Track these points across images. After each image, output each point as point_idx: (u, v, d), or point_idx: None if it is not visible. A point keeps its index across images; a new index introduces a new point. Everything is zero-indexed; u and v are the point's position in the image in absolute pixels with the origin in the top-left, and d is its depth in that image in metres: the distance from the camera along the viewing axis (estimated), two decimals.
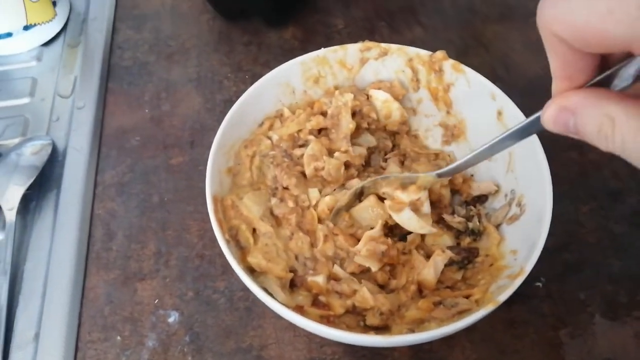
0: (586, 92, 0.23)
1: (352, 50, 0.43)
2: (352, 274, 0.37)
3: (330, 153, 0.41)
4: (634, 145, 0.21)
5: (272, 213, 0.39)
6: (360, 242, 0.37)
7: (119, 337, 0.39)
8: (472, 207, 0.41)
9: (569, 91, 0.24)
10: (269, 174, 0.40)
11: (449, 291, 0.36)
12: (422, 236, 0.39)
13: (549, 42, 0.23)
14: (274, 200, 0.39)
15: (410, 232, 0.39)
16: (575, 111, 0.23)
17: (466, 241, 0.40)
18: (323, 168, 0.40)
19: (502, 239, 0.38)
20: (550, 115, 0.25)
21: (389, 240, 0.37)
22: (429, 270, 0.35)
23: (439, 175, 0.37)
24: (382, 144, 0.45)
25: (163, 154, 0.49)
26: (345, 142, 0.41)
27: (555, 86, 0.25)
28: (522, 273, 0.31)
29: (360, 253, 0.37)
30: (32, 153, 0.48)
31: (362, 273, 0.37)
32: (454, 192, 0.43)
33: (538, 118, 0.27)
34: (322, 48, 0.44)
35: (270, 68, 0.54)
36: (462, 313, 0.32)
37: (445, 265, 0.37)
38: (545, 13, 0.22)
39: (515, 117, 0.38)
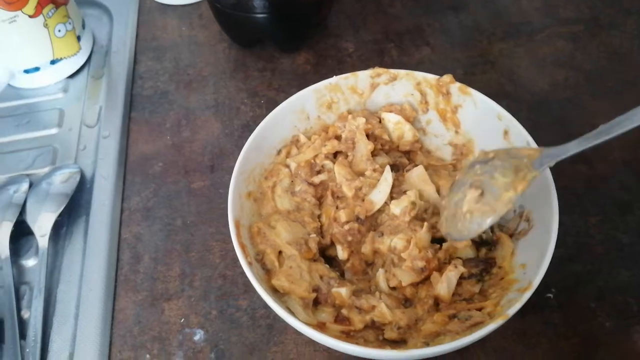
0: None
1: (362, 77, 0.45)
2: (393, 288, 0.39)
3: (353, 174, 0.43)
4: None
5: (306, 243, 0.40)
6: (410, 248, 0.38)
7: (148, 355, 0.41)
8: None
9: None
10: (307, 208, 0.42)
11: (464, 303, 0.38)
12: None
13: None
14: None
15: (442, 239, 0.40)
16: None
17: (483, 252, 0.41)
18: (361, 188, 0.42)
19: (515, 247, 0.39)
20: None
21: (430, 253, 0.38)
22: (442, 286, 0.37)
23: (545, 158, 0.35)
24: (399, 162, 0.46)
25: (185, 178, 0.51)
26: (370, 162, 0.43)
27: None
28: (530, 287, 0.33)
29: (403, 267, 0.38)
30: (62, 181, 0.51)
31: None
32: None
33: None
34: (334, 75, 0.46)
35: (285, 92, 0.57)
36: (475, 326, 0.34)
37: (465, 278, 0.39)
38: None
39: (520, 135, 0.40)
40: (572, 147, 0.34)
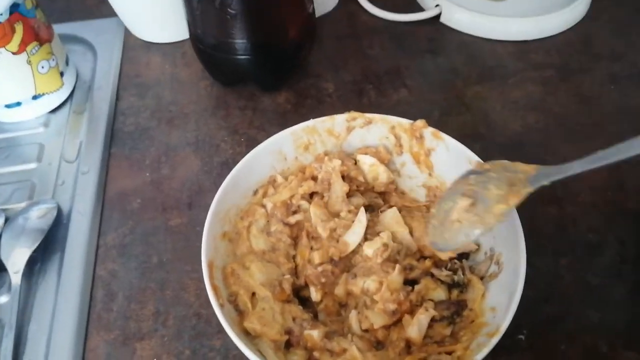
0: None
1: (339, 120, 0.46)
2: (365, 330, 0.39)
3: (329, 215, 0.44)
4: None
5: (280, 284, 0.41)
6: (382, 290, 0.38)
7: None
8: (456, 261, 0.43)
9: None
10: (282, 249, 0.43)
11: (435, 346, 0.38)
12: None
13: None
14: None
15: (415, 281, 0.41)
16: None
17: (455, 294, 0.42)
18: (335, 229, 0.42)
19: (485, 290, 0.40)
20: None
21: (402, 295, 0.39)
22: (413, 329, 0.37)
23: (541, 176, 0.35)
24: (374, 202, 0.47)
25: (162, 215, 0.51)
26: (345, 203, 0.44)
27: None
28: (498, 332, 0.33)
29: (375, 309, 0.39)
30: (38, 217, 0.51)
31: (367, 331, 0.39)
32: None
33: None
34: (314, 115, 0.47)
35: (265, 131, 0.58)
36: None
37: (437, 321, 0.39)
38: None
39: None
40: (569, 169, 0.34)
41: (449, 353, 0.36)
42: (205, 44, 0.58)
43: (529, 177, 0.34)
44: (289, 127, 0.47)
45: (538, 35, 0.67)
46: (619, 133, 0.56)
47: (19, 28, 0.55)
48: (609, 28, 0.69)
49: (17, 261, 0.47)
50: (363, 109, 0.47)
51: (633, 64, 0.64)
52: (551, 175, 0.34)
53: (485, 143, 0.56)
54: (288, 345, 0.38)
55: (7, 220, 0.51)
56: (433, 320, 0.39)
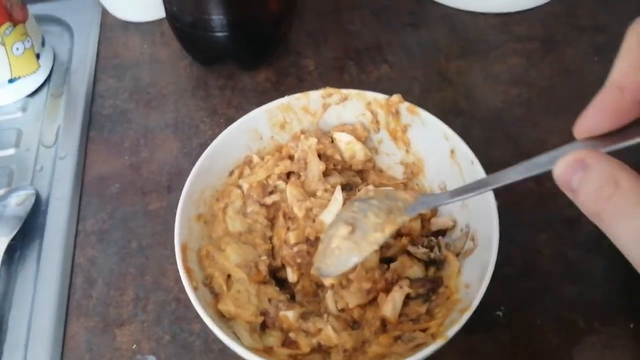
0: (604, 155, 0.24)
1: (314, 97, 0.46)
2: (342, 310, 0.39)
3: (305, 195, 0.44)
4: (625, 218, 0.22)
5: (256, 265, 0.41)
6: (357, 269, 0.39)
7: None
8: (432, 238, 0.43)
9: (588, 150, 0.24)
10: (259, 230, 0.43)
11: (411, 324, 0.38)
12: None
13: (630, 44, 0.25)
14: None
15: (392, 259, 0.41)
16: (586, 166, 0.23)
17: (432, 271, 0.42)
18: (312, 209, 0.42)
19: (461, 266, 0.40)
20: (562, 162, 0.25)
21: (378, 274, 0.39)
22: (387, 307, 0.38)
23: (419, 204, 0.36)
24: (351, 181, 0.47)
25: (142, 200, 0.51)
26: (321, 182, 0.44)
27: (605, 88, 0.26)
28: (469, 308, 0.33)
29: (350, 288, 0.39)
30: (17, 204, 0.50)
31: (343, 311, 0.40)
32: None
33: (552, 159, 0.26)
34: (294, 92, 0.46)
35: (244, 110, 0.57)
36: (418, 347, 0.34)
37: (413, 298, 0.40)
38: None
39: (465, 155, 0.41)
40: (444, 198, 0.35)
41: (424, 330, 0.36)
42: (182, 22, 0.57)
43: (407, 205, 0.35)
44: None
45: (522, 7, 0.66)
46: None
47: None
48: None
49: None
50: (344, 86, 0.47)
51: (617, 35, 0.62)
52: (429, 203, 0.36)
53: (466, 118, 0.56)
54: (264, 326, 0.38)
55: None
56: (409, 298, 0.39)
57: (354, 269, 0.39)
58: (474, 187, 0.33)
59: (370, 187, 0.44)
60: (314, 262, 0.39)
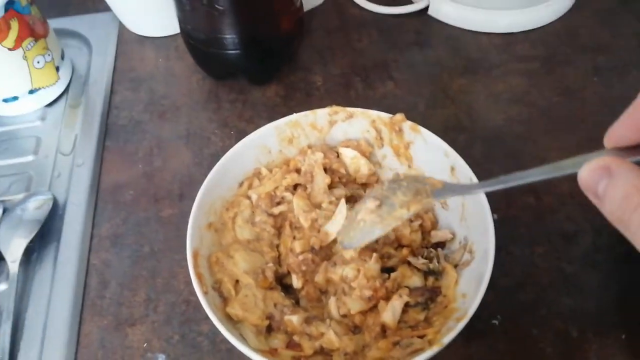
0: (630, 163, 0.25)
1: (321, 114, 0.48)
2: (344, 316, 0.41)
3: (311, 206, 0.46)
4: None
5: (263, 272, 0.43)
6: (359, 278, 0.41)
7: None
8: (432, 250, 0.45)
9: (619, 156, 0.25)
10: (266, 238, 0.45)
11: (409, 330, 0.40)
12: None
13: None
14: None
15: (393, 269, 0.43)
16: (612, 173, 0.24)
17: (430, 281, 0.44)
18: (317, 219, 0.44)
19: (458, 277, 0.42)
20: (588, 168, 0.26)
21: (378, 282, 0.41)
22: (387, 314, 0.39)
23: (445, 190, 0.38)
24: (356, 194, 0.49)
25: (154, 207, 0.53)
26: (327, 195, 0.46)
27: (635, 102, 0.27)
28: (465, 316, 0.35)
29: (352, 295, 0.41)
30: (35, 208, 0.53)
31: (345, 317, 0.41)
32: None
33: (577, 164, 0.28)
34: (303, 108, 0.49)
35: (254, 124, 0.60)
36: (415, 352, 0.36)
37: (412, 307, 0.42)
38: None
39: (464, 173, 0.43)
40: (471, 189, 0.39)
41: (422, 337, 0.38)
42: (196, 40, 0.59)
43: (434, 189, 0.38)
44: (278, 119, 0.48)
45: (524, 27, 0.68)
46: (601, 124, 0.58)
47: (15, 24, 0.56)
48: (595, 19, 0.70)
49: (14, 251, 0.49)
50: (350, 102, 0.49)
51: (617, 55, 0.65)
52: (454, 192, 0.40)
53: (468, 135, 0.58)
54: (269, 330, 0.40)
55: (5, 211, 0.53)
56: (408, 305, 0.41)
57: (354, 276, 0.41)
58: (501, 181, 0.34)
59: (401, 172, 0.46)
60: (338, 237, 0.42)
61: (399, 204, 0.37)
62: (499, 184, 0.34)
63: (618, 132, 0.28)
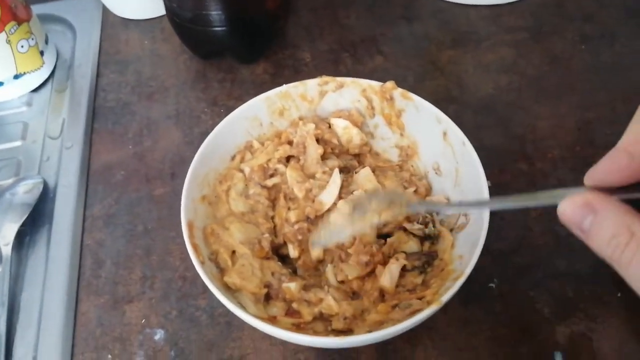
0: (617, 202, 0.25)
1: (311, 85, 0.48)
2: (341, 282, 0.41)
3: (305, 177, 0.46)
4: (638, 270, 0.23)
5: (259, 242, 0.43)
6: (355, 244, 0.41)
7: (109, 356, 0.43)
8: (427, 215, 0.45)
9: (600, 193, 0.25)
10: (261, 210, 0.45)
11: (407, 294, 0.40)
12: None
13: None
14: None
15: (389, 235, 0.43)
16: (598, 211, 0.25)
17: (427, 245, 0.44)
18: (311, 189, 0.44)
19: (454, 240, 0.42)
20: (571, 203, 0.26)
21: (375, 248, 0.41)
22: (385, 278, 0.39)
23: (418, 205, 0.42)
24: (349, 164, 0.49)
25: (146, 186, 0.53)
26: (320, 165, 0.46)
27: (615, 150, 0.27)
28: (462, 275, 0.35)
29: (349, 261, 0.41)
30: (25, 192, 0.52)
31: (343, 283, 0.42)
32: None
33: (554, 197, 0.28)
34: (285, 84, 0.48)
35: (244, 101, 0.59)
36: (414, 313, 0.36)
37: (409, 271, 0.42)
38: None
39: (457, 137, 0.43)
40: (442, 206, 0.43)
41: (420, 299, 0.38)
42: (182, 18, 0.59)
43: (409, 202, 0.40)
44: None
45: None
46: (589, 92, 0.59)
47: None
48: None
49: (6, 234, 0.49)
50: (340, 77, 0.49)
51: (604, 24, 0.66)
52: (428, 206, 0.44)
53: (459, 105, 0.58)
54: (268, 298, 0.40)
55: None
56: (405, 270, 0.41)
57: (350, 242, 0.41)
58: (473, 204, 0.38)
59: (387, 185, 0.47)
60: (310, 239, 0.42)
61: (370, 210, 0.39)
62: (471, 207, 0.38)
63: (599, 175, 0.28)
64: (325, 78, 0.48)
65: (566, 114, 0.57)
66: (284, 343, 0.43)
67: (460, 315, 0.43)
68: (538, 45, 0.64)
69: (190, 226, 0.39)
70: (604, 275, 0.45)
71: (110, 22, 0.70)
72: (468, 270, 0.36)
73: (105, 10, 0.71)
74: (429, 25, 0.67)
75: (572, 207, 0.26)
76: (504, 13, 0.68)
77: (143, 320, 0.44)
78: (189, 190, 0.41)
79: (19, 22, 0.59)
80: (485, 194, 0.39)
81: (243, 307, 0.37)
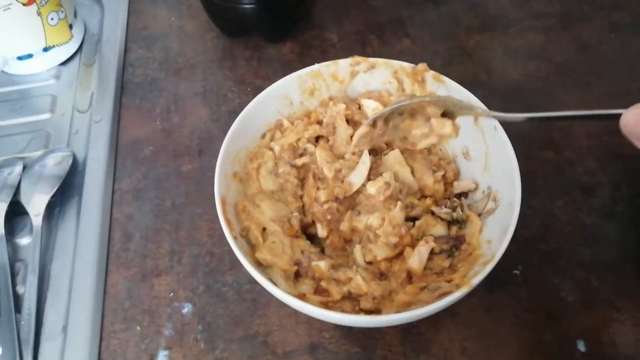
0: None
1: (343, 65, 0.48)
2: (369, 263, 0.42)
3: (334, 157, 0.46)
4: None
5: (288, 220, 0.43)
6: (384, 225, 0.41)
7: (138, 327, 0.44)
8: (455, 199, 0.45)
9: None
10: (290, 189, 0.45)
11: (435, 277, 0.40)
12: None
13: None
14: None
15: (417, 218, 0.44)
16: None
17: (454, 230, 0.44)
18: (340, 170, 0.44)
19: (482, 225, 0.42)
20: (634, 115, 0.27)
21: (404, 230, 0.41)
22: (414, 260, 0.40)
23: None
24: (377, 146, 0.49)
25: (174, 162, 0.53)
26: (349, 146, 0.46)
27: None
28: (493, 259, 0.36)
29: (378, 242, 0.41)
30: (54, 164, 0.53)
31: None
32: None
33: (617, 115, 0.29)
34: (316, 63, 0.48)
35: (270, 80, 0.59)
36: (443, 295, 0.36)
37: (437, 254, 0.42)
38: None
39: (488, 121, 0.43)
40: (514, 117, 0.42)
41: (448, 282, 0.39)
42: None
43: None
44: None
45: None
46: (618, 80, 0.58)
47: None
48: None
49: (37, 205, 0.49)
50: None
51: (633, 12, 0.65)
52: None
53: (486, 90, 0.58)
54: (297, 275, 0.40)
55: (25, 167, 0.53)
56: (433, 253, 0.41)
57: (379, 224, 0.41)
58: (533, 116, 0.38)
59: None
60: None
61: None
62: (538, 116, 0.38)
63: None
64: (357, 58, 0.47)
65: (594, 102, 0.57)
66: (309, 321, 0.43)
67: (485, 301, 0.44)
68: (566, 32, 0.64)
69: (223, 202, 0.40)
70: (628, 266, 0.46)
71: None
72: (499, 255, 0.36)
73: None
74: (456, 8, 0.67)
75: (633, 115, 0.27)
76: None
77: (171, 294, 0.45)
78: (221, 167, 0.41)
79: None
80: (517, 179, 0.39)
81: (274, 283, 0.38)
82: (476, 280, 0.35)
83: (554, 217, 0.49)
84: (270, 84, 0.48)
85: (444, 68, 0.60)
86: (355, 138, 0.46)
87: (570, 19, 0.65)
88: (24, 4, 0.56)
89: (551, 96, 0.57)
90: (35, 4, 0.57)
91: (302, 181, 0.46)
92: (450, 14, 0.66)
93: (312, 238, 0.44)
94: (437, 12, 0.66)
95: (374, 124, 0.46)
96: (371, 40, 0.64)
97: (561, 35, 0.63)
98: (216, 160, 0.42)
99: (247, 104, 0.46)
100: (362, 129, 0.46)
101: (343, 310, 0.39)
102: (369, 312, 0.39)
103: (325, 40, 0.64)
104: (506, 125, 0.43)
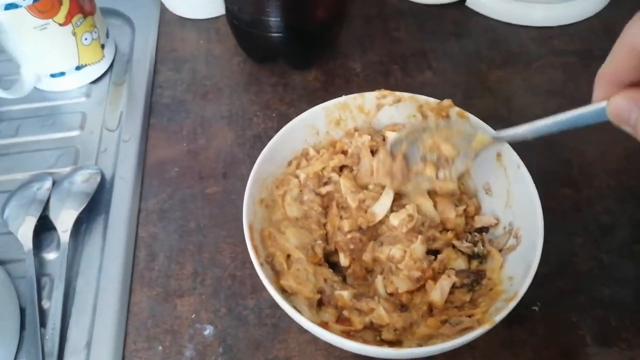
0: None
1: (369, 97, 0.49)
2: (390, 294, 0.42)
3: (357, 187, 0.47)
4: None
5: (312, 248, 0.44)
6: (405, 259, 0.42)
7: (160, 347, 0.44)
8: (476, 234, 0.46)
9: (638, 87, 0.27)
10: (314, 217, 0.46)
11: (456, 310, 0.41)
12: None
13: (622, 48, 0.29)
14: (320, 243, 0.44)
15: (437, 251, 0.44)
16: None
17: (474, 264, 0.45)
18: (364, 200, 0.45)
19: (504, 261, 0.42)
20: (616, 105, 0.28)
21: (426, 264, 0.42)
22: (436, 293, 0.40)
23: (495, 138, 0.42)
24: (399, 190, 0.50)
25: (199, 184, 0.55)
26: (373, 177, 0.47)
27: (600, 83, 0.30)
28: (516, 297, 0.36)
29: (400, 275, 0.42)
30: (83, 181, 0.54)
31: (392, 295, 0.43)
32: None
33: (601, 109, 0.31)
34: (342, 92, 0.50)
35: (295, 107, 0.61)
36: (465, 330, 0.37)
37: (458, 288, 0.43)
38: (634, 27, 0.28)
39: (511, 159, 0.44)
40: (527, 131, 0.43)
41: (469, 316, 0.39)
42: (240, 20, 0.60)
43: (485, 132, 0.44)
44: (318, 104, 0.49)
45: (561, 21, 0.69)
46: None
47: (66, 1, 0.58)
48: (632, 15, 0.70)
49: (65, 221, 0.51)
50: (389, 89, 0.50)
51: None
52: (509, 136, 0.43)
53: (506, 125, 0.58)
54: (319, 304, 0.41)
55: (54, 183, 0.54)
56: (454, 287, 0.42)
57: (401, 257, 0.42)
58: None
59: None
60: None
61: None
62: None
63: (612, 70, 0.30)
64: (383, 92, 0.49)
65: (614, 141, 0.58)
66: (328, 348, 0.44)
67: (503, 336, 0.44)
68: (587, 70, 0.65)
69: (251, 228, 0.41)
70: None
71: (167, 19, 0.72)
72: (521, 292, 0.37)
73: (163, 8, 0.73)
74: (478, 43, 0.68)
75: (616, 103, 0.28)
76: (553, 35, 0.68)
77: (193, 315, 0.46)
78: (250, 193, 0.42)
79: (85, 15, 0.61)
80: (539, 219, 0.40)
81: (298, 310, 0.39)
82: (499, 317, 0.36)
83: (572, 255, 0.49)
84: (295, 110, 0.49)
85: (465, 102, 0.61)
86: (374, 163, 0.46)
87: (590, 57, 0.66)
88: (60, 24, 0.58)
89: (571, 134, 0.58)
90: (70, 24, 0.59)
91: (326, 209, 0.47)
92: (472, 48, 0.68)
93: (334, 266, 0.45)
94: (460, 46, 0.68)
95: (392, 155, 0.46)
96: (394, 71, 0.65)
97: (582, 72, 0.64)
98: (241, 183, 0.43)
99: (271, 129, 0.47)
100: (381, 154, 0.46)
101: (365, 340, 0.39)
102: (390, 342, 0.39)
103: (349, 70, 0.65)
104: (525, 161, 0.44)
